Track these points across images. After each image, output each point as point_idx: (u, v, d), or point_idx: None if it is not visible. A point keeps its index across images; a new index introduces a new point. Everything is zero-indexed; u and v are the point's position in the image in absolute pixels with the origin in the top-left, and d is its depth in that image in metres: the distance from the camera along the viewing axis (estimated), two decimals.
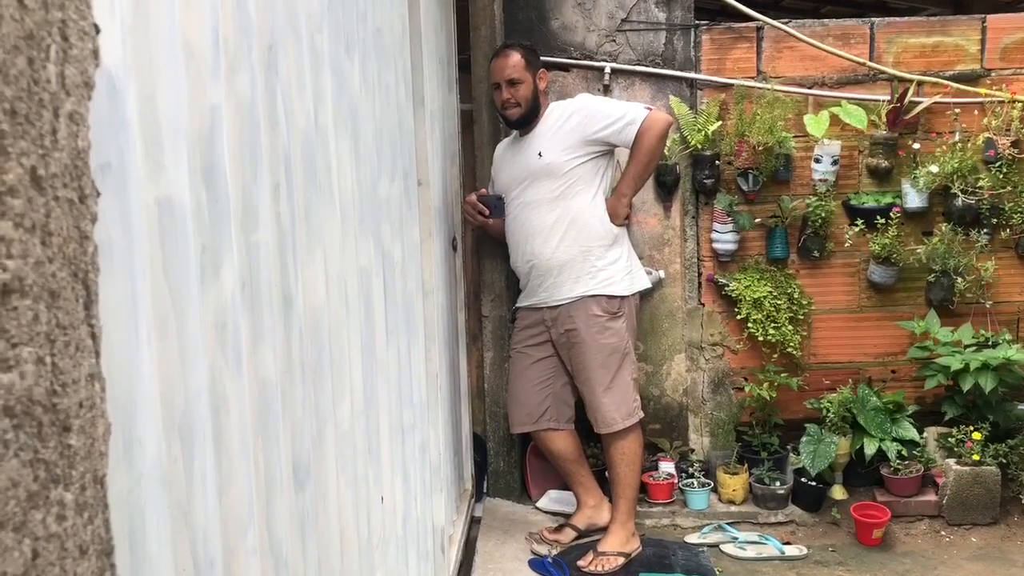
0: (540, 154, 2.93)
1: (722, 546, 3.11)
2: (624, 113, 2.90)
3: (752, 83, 3.40)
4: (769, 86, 3.34)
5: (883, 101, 3.32)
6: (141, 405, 0.74)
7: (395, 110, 2.04)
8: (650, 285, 3.20)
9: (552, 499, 3.36)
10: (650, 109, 2.93)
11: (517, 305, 3.17)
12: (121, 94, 0.72)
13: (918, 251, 3.35)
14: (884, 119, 3.30)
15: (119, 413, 0.71)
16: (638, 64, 3.45)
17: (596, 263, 2.93)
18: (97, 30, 0.40)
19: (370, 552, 1.63)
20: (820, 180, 3.37)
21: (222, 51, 0.96)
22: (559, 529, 3.11)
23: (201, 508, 0.86)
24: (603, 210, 2.96)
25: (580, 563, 2.90)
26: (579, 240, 2.93)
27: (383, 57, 1.92)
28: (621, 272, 2.98)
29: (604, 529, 3.06)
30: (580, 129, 2.91)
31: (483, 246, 3.45)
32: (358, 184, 1.62)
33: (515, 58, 2.92)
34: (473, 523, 3.26)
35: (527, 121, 2.97)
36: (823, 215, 3.36)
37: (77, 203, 0.35)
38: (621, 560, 2.90)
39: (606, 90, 3.44)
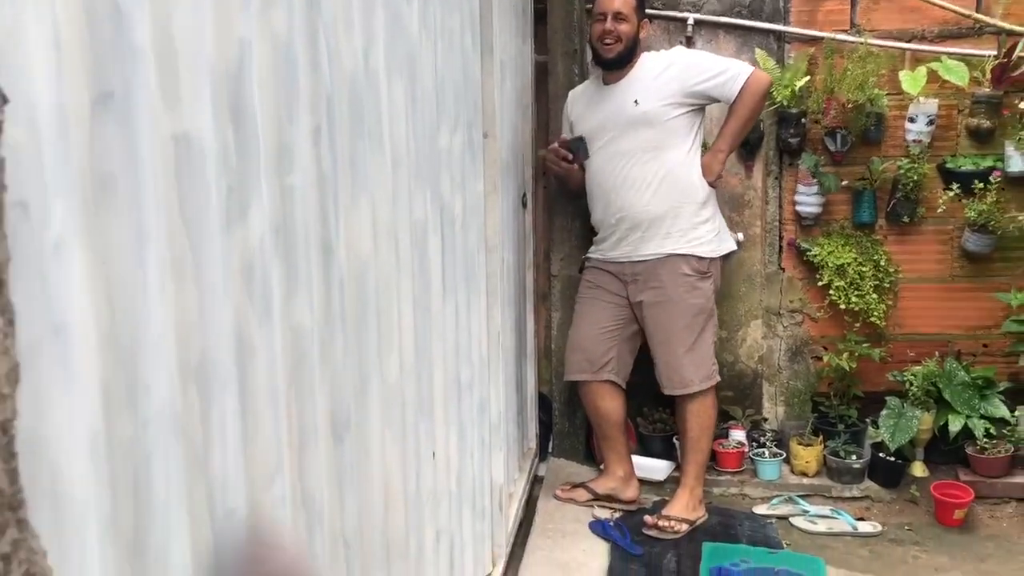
0: (636, 102, 2.83)
1: (791, 519, 3.02)
2: (727, 67, 2.79)
3: (845, 36, 3.20)
4: (863, 40, 3.14)
5: (988, 56, 3.08)
6: (149, 348, 0.71)
7: (459, 58, 1.98)
8: (736, 248, 3.08)
9: (636, 464, 3.22)
10: (754, 67, 2.81)
11: (591, 256, 3.07)
12: (128, 21, 0.68)
13: (1019, 218, 3.13)
14: (988, 76, 3.07)
15: (122, 357, 0.69)
16: (723, 15, 3.29)
17: (690, 219, 2.84)
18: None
19: (419, 507, 1.61)
20: (914, 141, 3.17)
21: None
22: (575, 487, 3.07)
23: (220, 456, 0.84)
24: (698, 165, 2.86)
25: (644, 527, 2.84)
26: (673, 194, 2.83)
27: (447, 2, 1.85)
28: (711, 232, 2.88)
29: (624, 502, 3.00)
30: (680, 80, 2.80)
31: (554, 204, 3.37)
32: (414, 133, 1.56)
33: None
34: (536, 482, 3.24)
35: (622, 62, 2.86)
36: (915, 178, 3.17)
37: None
38: (685, 527, 2.84)
39: (688, 42, 3.30)
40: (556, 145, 3.00)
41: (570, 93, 3.13)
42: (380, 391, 1.35)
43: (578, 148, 2.95)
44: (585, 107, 2.99)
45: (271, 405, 0.95)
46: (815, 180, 3.24)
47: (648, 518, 2.84)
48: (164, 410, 0.73)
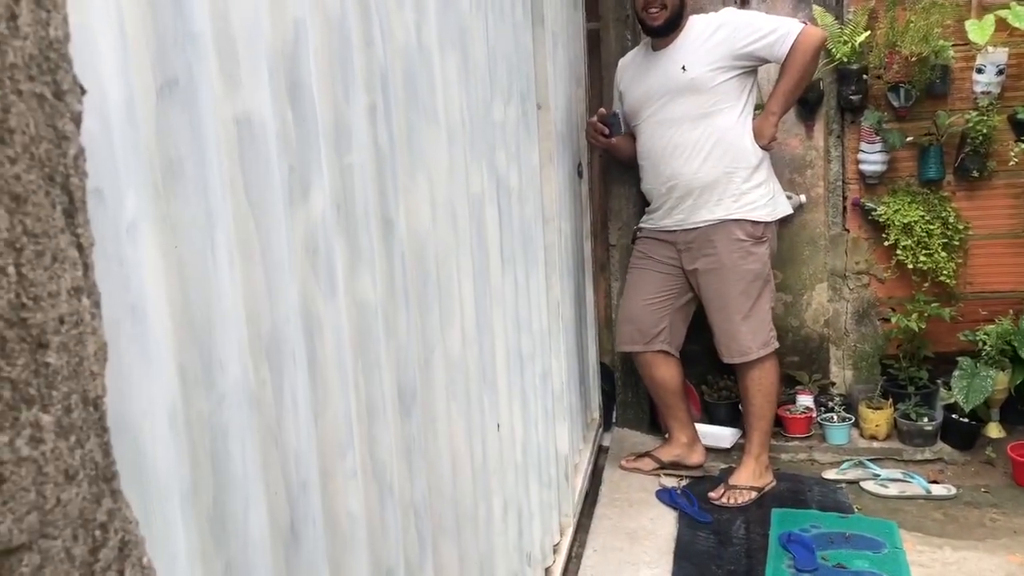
0: (684, 68, 2.77)
1: (862, 483, 2.97)
2: (777, 26, 2.71)
3: None
4: None
5: None
6: (221, 327, 0.74)
7: (511, 29, 1.97)
8: (791, 211, 3.02)
9: (701, 432, 3.21)
10: (804, 23, 2.73)
11: (643, 226, 3.05)
12: (188, 6, 0.70)
13: None
14: None
15: (197, 335, 0.71)
16: None
17: (741, 185, 2.78)
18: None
19: (486, 477, 1.63)
20: (982, 92, 3.06)
21: None
22: (640, 457, 3.07)
23: (293, 430, 0.86)
24: (750, 129, 2.80)
25: (711, 495, 2.83)
26: (724, 160, 2.78)
27: None
28: (765, 196, 2.82)
29: (690, 467, 3.00)
30: (728, 42, 2.74)
31: (610, 172, 3.35)
32: (468, 107, 1.57)
33: None
34: (601, 452, 3.25)
35: (669, 29, 2.80)
36: (985, 131, 3.06)
37: (50, 99, 0.32)
38: (753, 494, 2.82)
39: (743, 3, 3.22)
40: (594, 119, 2.98)
41: (620, 62, 3.09)
42: (444, 363, 1.37)
43: (613, 123, 2.93)
44: (634, 75, 2.95)
45: (340, 379, 0.97)
46: (879, 137, 3.16)
47: (713, 493, 2.83)
48: (238, 385, 0.76)
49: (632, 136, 2.99)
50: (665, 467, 3.02)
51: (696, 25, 2.82)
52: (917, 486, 2.89)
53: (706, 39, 2.78)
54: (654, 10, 2.76)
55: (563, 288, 2.59)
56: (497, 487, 1.72)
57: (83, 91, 0.35)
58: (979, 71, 3.05)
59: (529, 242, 2.12)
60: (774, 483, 2.90)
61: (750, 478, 2.85)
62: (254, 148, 0.81)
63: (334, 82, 0.99)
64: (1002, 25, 2.94)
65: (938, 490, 2.87)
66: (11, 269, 0.29)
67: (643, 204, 3.15)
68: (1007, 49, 3.02)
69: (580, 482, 2.77)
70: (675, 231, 2.88)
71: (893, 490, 2.90)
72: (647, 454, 3.07)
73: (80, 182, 0.34)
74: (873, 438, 3.19)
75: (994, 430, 3.09)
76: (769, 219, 2.81)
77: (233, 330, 0.75)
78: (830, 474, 3.05)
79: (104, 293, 0.59)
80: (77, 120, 0.33)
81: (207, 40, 0.73)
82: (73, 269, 0.33)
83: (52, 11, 0.34)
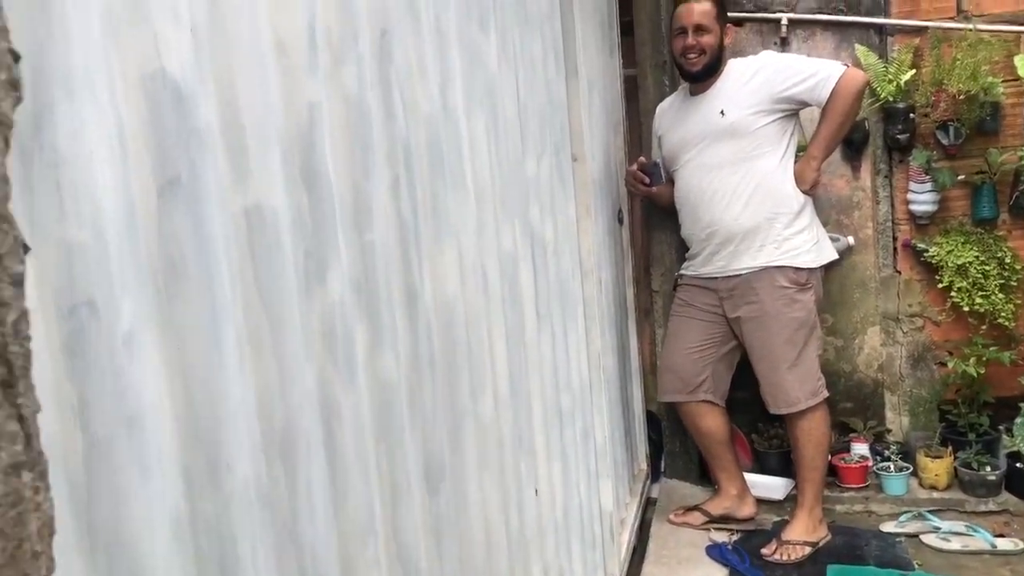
0: (723, 112, 2.74)
1: (922, 536, 2.84)
2: (817, 69, 2.66)
3: (952, 24, 3.03)
4: (972, 26, 2.96)
5: None
6: (230, 425, 0.71)
7: (543, 82, 1.96)
8: (837, 256, 2.94)
9: (751, 483, 3.10)
10: (846, 66, 2.69)
11: (684, 273, 3.00)
12: (191, 104, 0.68)
13: None
14: None
15: (202, 437, 0.69)
16: (819, 12, 3.17)
17: (783, 231, 2.72)
18: (16, 57, 0.35)
19: (523, 546, 1.59)
20: None
21: (322, 44, 0.92)
22: (688, 511, 2.99)
23: (309, 524, 0.83)
24: (791, 174, 2.74)
25: (763, 551, 2.74)
26: (765, 205, 2.72)
27: (527, 26, 1.84)
28: (809, 242, 2.75)
29: (741, 520, 2.91)
30: (768, 86, 2.70)
31: (652, 218, 3.31)
32: (498, 166, 1.55)
33: (706, 5, 2.73)
34: (649, 505, 3.17)
35: (708, 74, 2.78)
36: None
37: None
38: (807, 549, 2.72)
39: (783, 43, 3.18)
40: (634, 167, 2.96)
41: (658, 107, 3.07)
42: (475, 432, 1.34)
43: (653, 172, 2.91)
44: (672, 121, 2.92)
45: (360, 464, 0.95)
46: (928, 176, 3.07)
47: (765, 549, 2.73)
48: (248, 484, 0.73)
49: (671, 181, 2.95)
50: (715, 521, 2.93)
51: (735, 69, 2.79)
52: (981, 540, 2.76)
53: (745, 83, 2.74)
54: (692, 56, 2.74)
55: (604, 339, 2.55)
56: (536, 555, 1.67)
57: (27, 249, 0.33)
58: None
59: (567, 296, 2.09)
60: (829, 537, 2.80)
61: (804, 532, 2.75)
62: (265, 238, 0.79)
63: (353, 161, 0.98)
64: None
65: (1004, 544, 2.74)
66: None
67: (685, 249, 3.11)
68: None
69: (627, 538, 2.69)
70: (716, 278, 2.83)
71: (955, 544, 2.77)
72: (696, 507, 2.98)
73: (21, 348, 0.32)
74: (933, 488, 3.07)
75: None
76: (813, 265, 2.74)
77: (242, 427, 0.73)
78: (888, 527, 2.93)
79: (97, 410, 0.58)
80: (18, 281, 0.31)
81: (213, 133, 0.72)
82: (11, 444, 0.31)
83: None
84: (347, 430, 0.92)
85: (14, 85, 0.33)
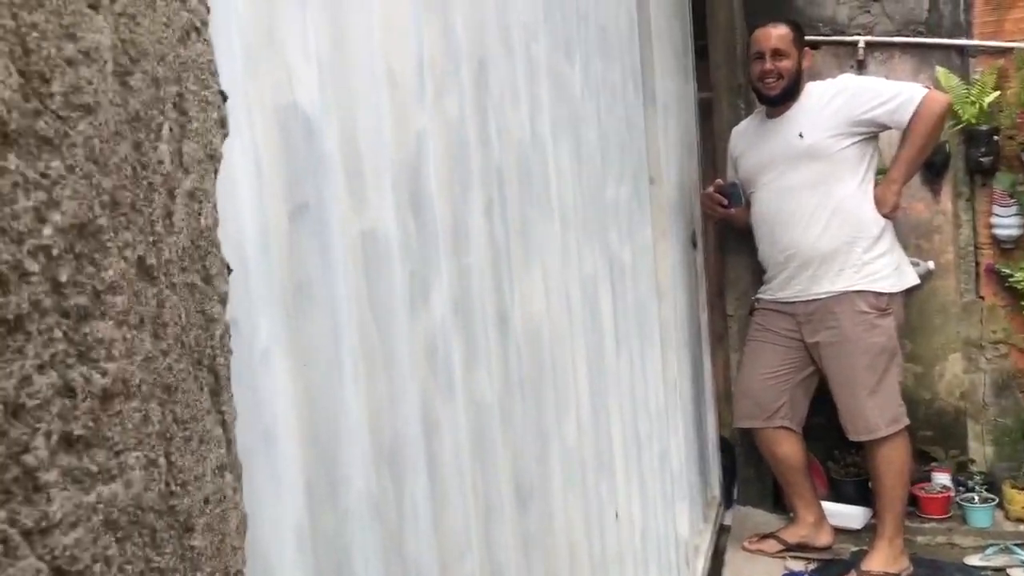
0: (801, 135, 2.73)
1: (1009, 570, 2.75)
2: (898, 92, 2.64)
3: None
4: None
5: None
6: (347, 440, 0.75)
7: (622, 109, 1.98)
8: (918, 281, 2.89)
9: (828, 512, 3.01)
10: (927, 88, 2.65)
11: (760, 296, 2.97)
12: (318, 134, 0.72)
13: None
14: None
15: (323, 452, 0.72)
16: (897, 35, 3.13)
17: (863, 256, 2.69)
18: (224, 97, 0.38)
19: (604, 568, 1.59)
20: None
21: (428, 75, 0.96)
22: (764, 538, 2.94)
23: (413, 539, 0.86)
24: (871, 197, 2.71)
25: None
26: (844, 229, 2.69)
27: (608, 56, 1.87)
28: (889, 267, 2.71)
29: (818, 549, 2.85)
30: (847, 109, 2.68)
31: (727, 241, 3.29)
32: (580, 190, 1.58)
33: (783, 29, 2.74)
34: (722, 532, 3.13)
35: (786, 98, 2.77)
36: None
37: (200, 285, 0.33)
38: None
39: (860, 66, 3.16)
40: (711, 190, 2.95)
41: (733, 130, 3.06)
42: (560, 453, 1.36)
43: (732, 193, 2.90)
44: (749, 143, 2.91)
45: (458, 481, 0.97)
46: (1013, 200, 3.00)
47: None
48: (362, 498, 0.76)
49: (749, 204, 2.94)
50: (791, 549, 2.88)
51: (814, 91, 2.78)
52: None
53: (824, 105, 2.73)
54: (770, 80, 2.73)
55: (680, 363, 2.54)
56: None
57: (229, 271, 0.36)
58: None
59: (644, 319, 2.10)
60: (911, 569, 2.73)
61: (884, 563, 2.69)
62: (377, 259, 0.83)
63: (452, 185, 1.01)
64: None
65: None
66: (161, 460, 0.30)
67: (760, 273, 3.08)
68: None
69: (701, 565, 2.67)
70: (794, 302, 2.80)
71: None
72: (771, 535, 2.94)
73: (225, 360, 0.35)
74: (1020, 520, 2.97)
75: None
76: (894, 290, 2.70)
77: (357, 442, 0.76)
78: (973, 560, 2.84)
79: (240, 422, 0.61)
80: (224, 300, 0.34)
81: (335, 161, 0.76)
82: (218, 448, 0.34)
83: (204, 202, 0.36)
84: (446, 446, 0.95)
85: (223, 123, 0.36)
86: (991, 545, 2.89)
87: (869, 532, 2.92)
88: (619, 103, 1.96)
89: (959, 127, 3.03)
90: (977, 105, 2.95)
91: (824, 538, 2.87)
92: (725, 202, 2.92)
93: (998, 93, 2.97)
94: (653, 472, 2.07)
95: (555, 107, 1.44)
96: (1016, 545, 2.86)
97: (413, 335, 0.89)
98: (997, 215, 3.05)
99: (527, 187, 1.28)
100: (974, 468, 3.18)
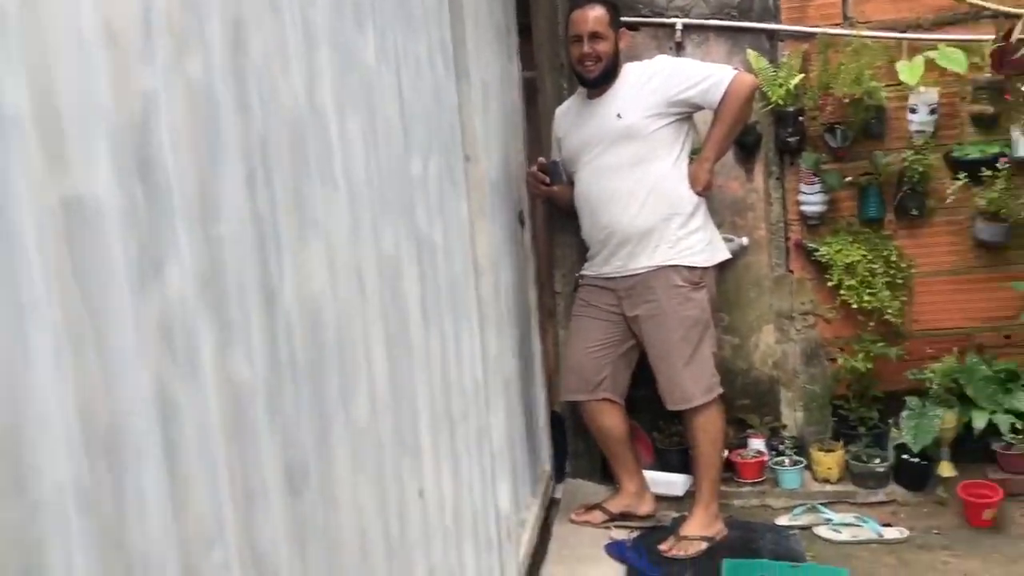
0: (619, 115, 2.78)
1: (815, 528, 2.93)
2: (710, 73, 2.74)
3: (838, 31, 3.14)
4: (856, 32, 3.07)
5: (987, 41, 3.00)
6: (38, 427, 0.68)
7: (429, 84, 1.94)
8: (730, 256, 3.02)
9: (652, 480, 3.13)
10: (737, 70, 2.76)
11: (584, 273, 3.03)
12: None
13: None
14: (988, 61, 2.99)
15: (4, 439, 0.65)
16: (712, 18, 3.24)
17: (677, 232, 2.78)
18: None
19: (405, 551, 1.56)
20: (917, 132, 3.09)
21: (159, 31, 0.88)
22: (589, 510, 3.03)
23: (139, 530, 0.80)
24: (685, 176, 2.80)
25: (661, 547, 2.78)
26: (661, 207, 2.77)
27: (411, 28, 1.82)
28: (702, 242, 2.82)
29: (641, 517, 2.97)
30: (663, 90, 2.76)
31: (555, 220, 3.33)
32: (377, 166, 1.53)
33: (599, 11, 2.77)
34: (552, 505, 3.18)
35: (605, 80, 2.82)
36: (922, 170, 3.09)
37: None
38: (704, 545, 2.77)
39: (678, 48, 3.25)
40: (534, 168, 2.98)
41: (557, 110, 3.09)
42: (347, 435, 1.31)
43: (553, 171, 2.95)
44: (571, 124, 2.95)
45: (205, 467, 0.92)
46: (817, 178, 3.18)
47: (663, 545, 2.77)
48: (61, 489, 0.70)
49: (571, 182, 2.98)
50: (615, 519, 2.97)
51: (631, 73, 2.84)
52: (869, 530, 2.86)
53: (641, 87, 2.79)
54: (589, 63, 2.78)
55: (502, 341, 2.54)
56: (421, 559, 1.65)
57: None
58: (912, 111, 3.09)
59: (459, 298, 2.08)
60: (725, 531, 2.86)
61: (700, 528, 2.80)
62: (86, 230, 0.75)
63: (198, 152, 0.95)
64: (932, 66, 2.99)
65: (890, 533, 2.84)
66: None
67: (587, 251, 3.13)
68: (938, 89, 3.07)
69: (527, 539, 2.69)
70: (615, 278, 2.86)
71: (846, 535, 2.86)
72: (597, 506, 3.01)
73: None
74: (826, 481, 3.16)
75: (946, 469, 3.07)
76: (707, 264, 2.80)
77: (56, 429, 0.70)
78: (783, 520, 3.01)
79: None
80: None
81: (23, 121, 0.68)
82: None
83: None
84: (189, 431, 0.89)
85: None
86: (799, 505, 3.06)
87: (691, 498, 3.04)
88: (426, 78, 1.92)
89: (768, 108, 3.17)
90: (784, 87, 3.10)
91: (646, 506, 2.97)
92: (547, 180, 2.95)
93: (803, 76, 3.13)
94: (469, 450, 2.06)
95: (341, 78, 1.38)
96: (821, 504, 3.05)
97: (141, 312, 0.83)
98: (804, 192, 3.22)
99: (302, 159, 1.22)
100: (785, 433, 3.36)
